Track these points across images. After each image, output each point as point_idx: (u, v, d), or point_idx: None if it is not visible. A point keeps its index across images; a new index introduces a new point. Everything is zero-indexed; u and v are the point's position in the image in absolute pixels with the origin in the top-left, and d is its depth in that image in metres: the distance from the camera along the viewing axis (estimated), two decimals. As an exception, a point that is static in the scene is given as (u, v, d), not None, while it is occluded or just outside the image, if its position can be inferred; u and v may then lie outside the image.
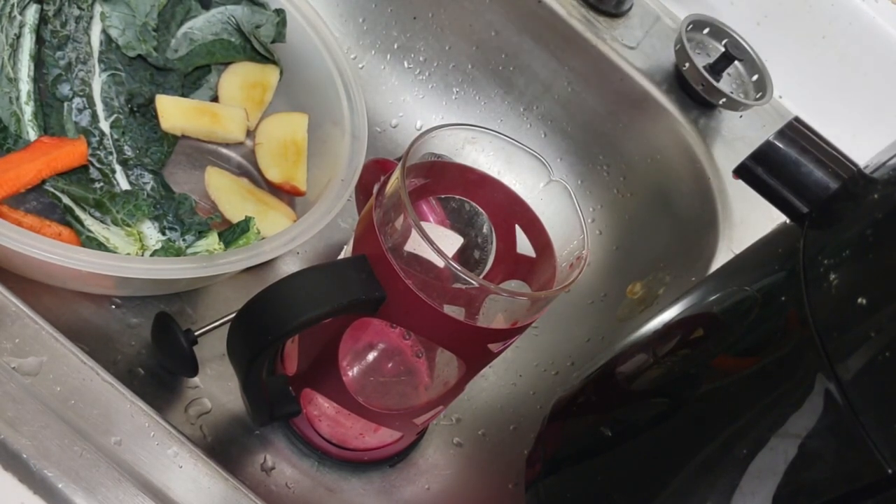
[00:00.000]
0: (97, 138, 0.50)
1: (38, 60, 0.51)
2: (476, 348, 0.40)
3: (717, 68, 0.70)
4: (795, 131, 0.35)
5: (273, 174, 0.58)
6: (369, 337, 0.53)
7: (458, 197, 0.48)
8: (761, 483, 0.33)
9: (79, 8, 0.52)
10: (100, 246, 0.48)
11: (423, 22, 0.73)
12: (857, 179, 0.34)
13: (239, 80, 0.59)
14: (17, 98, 0.49)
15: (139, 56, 0.53)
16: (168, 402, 0.50)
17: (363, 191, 0.59)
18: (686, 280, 0.62)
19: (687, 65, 0.68)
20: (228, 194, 0.55)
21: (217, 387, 0.52)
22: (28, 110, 0.49)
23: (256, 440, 0.51)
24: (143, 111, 0.54)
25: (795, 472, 0.31)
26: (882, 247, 0.30)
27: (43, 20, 0.51)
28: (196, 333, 0.49)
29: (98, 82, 0.52)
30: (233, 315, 0.44)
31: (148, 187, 0.51)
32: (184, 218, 0.51)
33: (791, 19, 0.73)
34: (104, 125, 0.51)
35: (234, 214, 0.54)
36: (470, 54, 0.73)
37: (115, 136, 0.51)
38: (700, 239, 0.65)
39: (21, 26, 0.50)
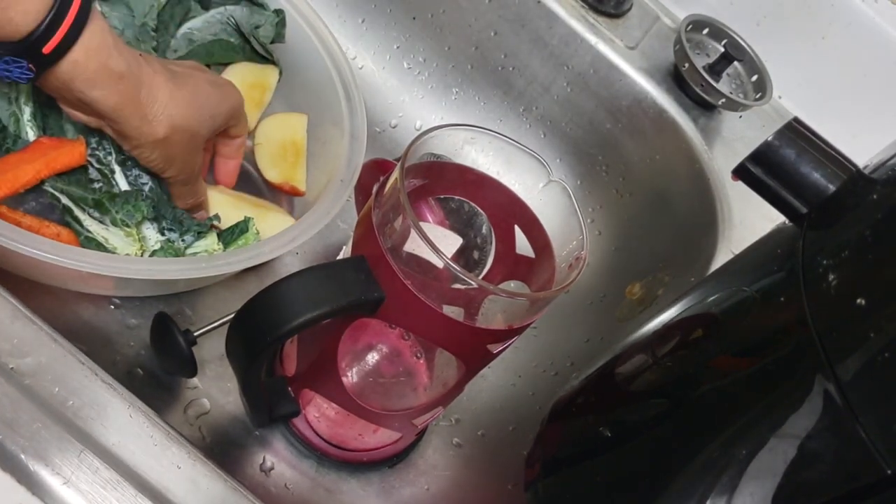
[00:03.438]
0: (96, 138, 0.50)
1: (37, 61, 0.51)
2: (475, 349, 0.40)
3: (717, 69, 0.70)
4: (795, 132, 0.35)
5: (272, 175, 0.58)
6: (368, 338, 0.53)
7: (457, 197, 0.48)
8: (761, 483, 0.33)
9: (78, 8, 0.52)
10: (99, 246, 0.48)
11: (423, 22, 0.73)
12: (857, 180, 0.34)
13: (238, 80, 0.58)
14: (17, 98, 0.49)
15: (138, 56, 0.53)
16: (167, 403, 0.50)
17: (362, 191, 0.59)
18: (686, 280, 0.62)
19: (686, 65, 0.68)
20: (227, 209, 0.54)
21: (216, 387, 0.52)
22: (27, 110, 0.49)
23: (255, 441, 0.51)
24: (143, 112, 0.54)
25: (795, 472, 0.31)
26: (882, 247, 0.30)
27: (42, 21, 0.51)
28: (195, 334, 0.49)
29: (97, 83, 0.52)
30: (232, 315, 0.44)
31: (147, 188, 0.51)
32: (183, 219, 0.51)
33: (791, 19, 0.73)
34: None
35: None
36: (469, 54, 0.73)
37: (115, 137, 0.51)
38: (700, 239, 0.65)
39: (20, 27, 0.50)
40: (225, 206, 0.54)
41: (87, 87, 0.41)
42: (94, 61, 0.41)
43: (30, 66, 0.39)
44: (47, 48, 0.39)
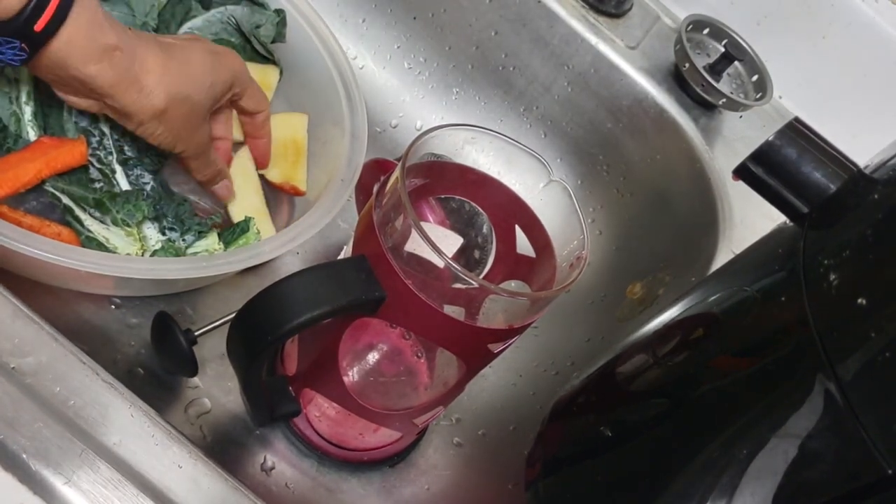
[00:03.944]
0: (97, 138, 0.50)
1: (38, 60, 0.51)
2: (476, 348, 0.41)
3: (717, 68, 0.70)
4: (795, 131, 0.35)
5: (273, 174, 0.58)
6: (369, 337, 0.53)
7: (457, 197, 0.48)
8: (761, 483, 0.33)
9: (79, 8, 0.52)
10: (99, 246, 0.48)
11: (423, 22, 0.73)
12: (857, 179, 0.34)
13: (239, 80, 0.59)
14: (17, 98, 0.49)
15: (139, 56, 0.53)
16: (168, 403, 0.50)
17: (363, 191, 0.59)
18: (686, 280, 0.62)
19: (687, 65, 0.68)
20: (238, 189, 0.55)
21: (217, 387, 0.52)
22: (28, 110, 0.49)
23: (256, 440, 0.51)
24: (143, 111, 0.54)
25: (795, 472, 0.31)
26: (882, 247, 0.30)
27: (43, 20, 0.51)
28: (196, 333, 0.49)
29: (98, 82, 0.52)
30: (233, 315, 0.44)
31: (148, 187, 0.51)
32: (183, 218, 0.51)
33: (791, 19, 0.73)
34: (104, 125, 0.51)
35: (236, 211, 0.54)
36: (470, 54, 0.73)
37: (116, 136, 0.51)
38: (700, 239, 0.65)
39: (21, 26, 0.50)
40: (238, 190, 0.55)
41: (81, 63, 0.41)
42: (87, 36, 0.41)
43: (23, 45, 0.39)
44: (38, 25, 0.39)
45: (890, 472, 0.27)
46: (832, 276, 0.31)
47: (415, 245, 0.37)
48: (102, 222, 0.48)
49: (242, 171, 0.56)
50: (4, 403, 0.34)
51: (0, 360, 0.35)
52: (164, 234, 0.50)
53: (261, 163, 0.56)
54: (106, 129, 0.50)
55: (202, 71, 0.47)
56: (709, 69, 0.69)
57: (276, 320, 0.36)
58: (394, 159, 0.62)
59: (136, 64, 0.43)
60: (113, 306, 0.51)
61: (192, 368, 0.48)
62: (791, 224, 0.37)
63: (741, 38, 0.72)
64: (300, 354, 0.46)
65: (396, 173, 0.37)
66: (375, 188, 0.40)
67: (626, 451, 0.42)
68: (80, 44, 0.41)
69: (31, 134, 0.49)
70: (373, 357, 0.53)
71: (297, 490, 0.50)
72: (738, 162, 0.36)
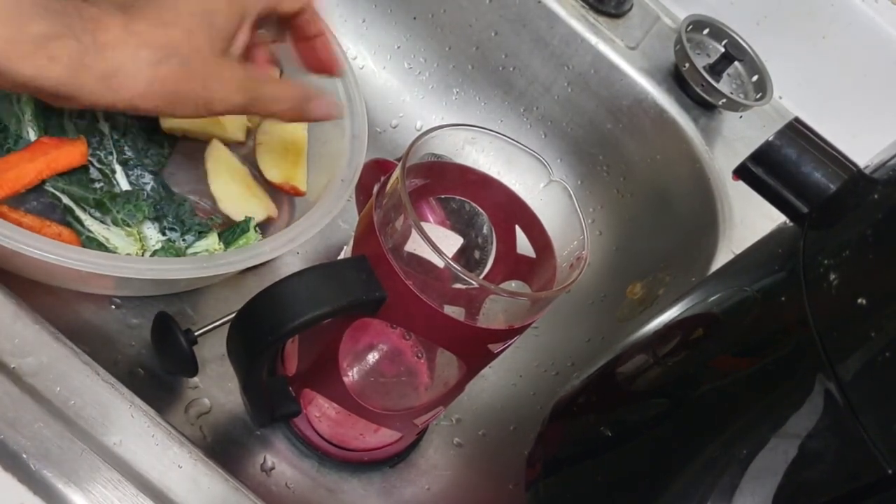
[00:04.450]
0: (97, 138, 0.50)
1: (38, 61, 0.51)
2: (476, 349, 0.41)
3: (717, 69, 0.70)
4: (795, 131, 0.35)
5: (273, 174, 0.57)
6: (369, 337, 0.53)
7: (458, 197, 0.48)
8: (761, 483, 0.33)
9: (79, 8, 0.52)
10: (100, 246, 0.48)
11: (423, 22, 0.73)
12: (857, 179, 0.34)
13: (239, 80, 0.59)
14: (18, 98, 0.49)
15: (139, 56, 0.53)
16: (168, 403, 0.50)
17: (363, 191, 0.59)
18: (686, 280, 0.62)
19: (687, 65, 0.68)
20: (225, 179, 0.55)
21: (217, 387, 0.52)
22: (28, 110, 0.49)
23: (256, 441, 0.51)
24: (143, 111, 0.54)
25: (795, 472, 0.31)
26: (882, 247, 0.30)
27: (43, 20, 0.51)
28: (196, 333, 0.49)
29: (98, 83, 0.52)
30: (233, 315, 0.44)
31: (148, 187, 0.51)
32: (184, 218, 0.51)
33: (791, 19, 0.73)
34: (104, 125, 0.51)
35: (227, 200, 0.54)
36: (470, 54, 0.73)
37: (116, 137, 0.51)
38: (700, 239, 0.65)
39: (21, 27, 0.50)
40: (228, 192, 0.55)
41: (14, 65, 0.33)
42: (10, 30, 0.32)
43: None
44: None
45: (890, 472, 0.27)
46: (832, 276, 0.31)
47: (415, 245, 0.37)
48: (103, 222, 0.48)
49: (215, 163, 0.55)
50: (5, 403, 0.34)
51: (0, 360, 0.35)
52: (164, 234, 0.50)
53: (328, 67, 0.45)
54: (106, 130, 0.51)
55: (188, 15, 0.37)
56: (709, 69, 0.69)
57: (276, 320, 0.36)
58: (394, 159, 0.62)
59: (85, 46, 0.34)
60: (113, 306, 0.51)
61: (192, 369, 0.48)
62: (791, 224, 0.37)
63: (741, 38, 0.72)
64: (300, 355, 0.47)
65: (396, 173, 0.37)
66: (375, 188, 0.40)
67: (626, 451, 0.42)
68: (5, 40, 0.32)
69: (31, 134, 0.49)
70: (373, 357, 0.53)
71: (297, 490, 0.50)
72: (738, 162, 0.36)
